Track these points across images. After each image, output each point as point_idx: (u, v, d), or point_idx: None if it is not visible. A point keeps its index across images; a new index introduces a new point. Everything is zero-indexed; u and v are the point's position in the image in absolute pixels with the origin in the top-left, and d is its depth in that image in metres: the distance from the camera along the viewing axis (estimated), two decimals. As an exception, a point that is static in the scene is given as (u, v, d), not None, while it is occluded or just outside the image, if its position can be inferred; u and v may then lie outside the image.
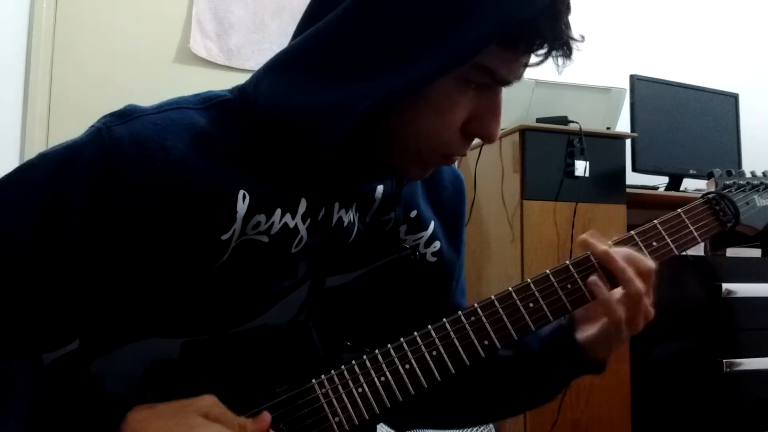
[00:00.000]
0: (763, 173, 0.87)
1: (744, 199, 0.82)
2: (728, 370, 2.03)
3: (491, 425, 2.00)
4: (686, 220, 0.79)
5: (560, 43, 0.64)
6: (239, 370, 0.68)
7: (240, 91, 0.74)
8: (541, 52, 0.65)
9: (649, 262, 0.73)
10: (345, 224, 0.75)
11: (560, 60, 0.66)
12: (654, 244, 0.76)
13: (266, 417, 0.64)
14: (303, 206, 0.71)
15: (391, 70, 0.62)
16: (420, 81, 0.62)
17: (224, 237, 0.67)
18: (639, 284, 0.71)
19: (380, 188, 0.77)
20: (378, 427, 0.81)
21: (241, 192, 0.67)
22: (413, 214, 0.81)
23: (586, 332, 0.77)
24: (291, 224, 0.70)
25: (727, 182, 0.84)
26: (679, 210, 0.80)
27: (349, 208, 0.75)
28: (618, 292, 0.72)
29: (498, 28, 0.61)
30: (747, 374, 2.05)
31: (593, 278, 0.72)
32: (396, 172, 0.74)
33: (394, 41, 0.62)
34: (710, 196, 0.82)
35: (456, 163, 0.80)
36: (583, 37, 0.66)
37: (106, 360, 0.67)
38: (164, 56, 2.33)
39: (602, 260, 0.72)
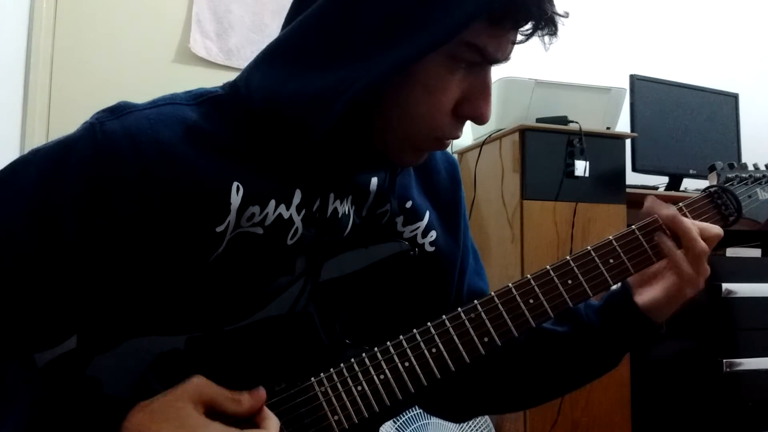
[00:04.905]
0: (766, 165, 0.86)
1: (746, 193, 0.82)
2: (728, 370, 2.03)
3: (490, 426, 2.00)
4: (688, 214, 0.78)
5: (546, 19, 0.65)
6: (246, 361, 0.68)
7: (231, 86, 0.74)
8: (528, 29, 0.66)
9: (716, 228, 0.77)
10: (339, 215, 0.74)
11: (547, 38, 0.67)
12: (655, 238, 0.75)
13: (262, 392, 0.63)
14: (297, 197, 0.71)
15: (381, 50, 0.62)
16: (410, 58, 0.62)
17: (219, 229, 0.67)
18: (702, 243, 0.74)
19: (374, 180, 0.77)
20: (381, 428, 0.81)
21: (235, 184, 0.67)
22: (408, 204, 0.81)
23: (644, 296, 0.77)
24: (285, 215, 0.70)
25: (729, 175, 0.83)
26: (680, 204, 0.79)
27: (344, 199, 0.75)
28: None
29: (484, 4, 0.61)
30: (747, 374, 2.04)
31: (665, 240, 0.74)
32: (390, 161, 0.74)
33: (382, 22, 0.63)
34: (712, 189, 0.81)
35: (457, 159, 0.80)
36: (567, 14, 0.66)
37: (107, 358, 0.67)
38: (164, 56, 2.33)
39: (669, 221, 0.75)
